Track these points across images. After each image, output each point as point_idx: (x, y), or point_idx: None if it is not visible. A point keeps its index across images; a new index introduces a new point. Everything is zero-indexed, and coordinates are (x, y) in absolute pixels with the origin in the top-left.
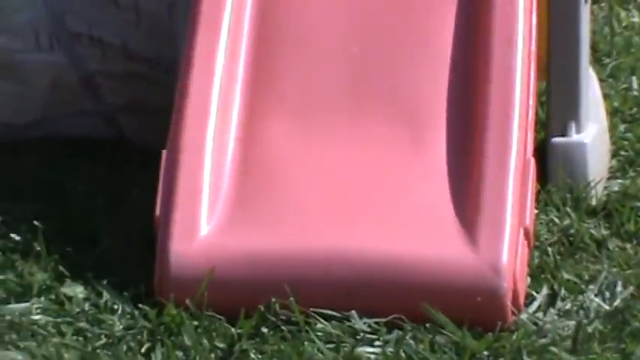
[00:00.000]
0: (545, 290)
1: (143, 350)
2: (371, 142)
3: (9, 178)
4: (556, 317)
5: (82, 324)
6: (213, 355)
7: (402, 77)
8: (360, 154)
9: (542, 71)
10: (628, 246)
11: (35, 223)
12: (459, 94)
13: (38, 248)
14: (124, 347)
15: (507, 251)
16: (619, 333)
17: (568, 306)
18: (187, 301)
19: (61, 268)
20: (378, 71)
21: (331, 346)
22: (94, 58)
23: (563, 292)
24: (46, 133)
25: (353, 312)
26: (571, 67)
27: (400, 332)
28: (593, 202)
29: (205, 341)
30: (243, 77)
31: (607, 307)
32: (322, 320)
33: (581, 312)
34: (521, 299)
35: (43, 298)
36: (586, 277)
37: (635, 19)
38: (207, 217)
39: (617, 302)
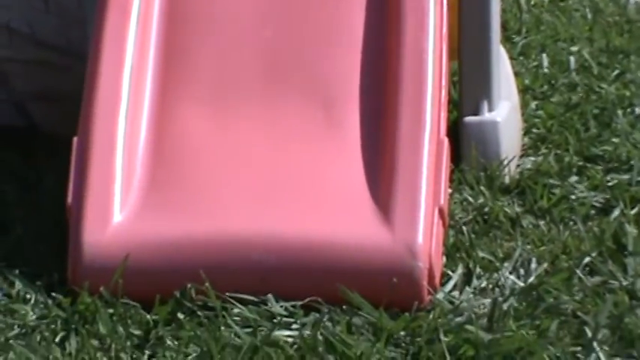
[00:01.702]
0: (460, 269)
1: (57, 340)
2: (285, 125)
3: None
4: (472, 296)
5: None
6: (129, 343)
7: (315, 59)
8: (275, 136)
9: (454, 51)
10: (541, 223)
11: None
12: (372, 76)
13: None
14: (38, 337)
15: (423, 231)
16: (534, 309)
17: (483, 284)
18: (102, 289)
19: None
20: (291, 53)
21: (248, 330)
22: (2, 44)
23: (478, 270)
24: None
25: (270, 295)
26: (482, 47)
27: (317, 315)
28: (507, 180)
29: (121, 329)
30: (155, 62)
31: (522, 284)
32: (239, 305)
33: (497, 290)
34: (437, 279)
35: None
36: (501, 255)
37: None
38: (120, 204)
39: (531, 279)
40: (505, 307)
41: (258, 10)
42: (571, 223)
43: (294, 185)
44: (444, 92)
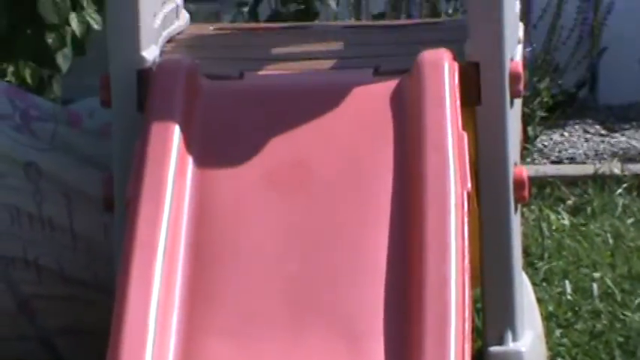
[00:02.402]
0: None
1: None
2: (310, 358)
3: None
4: None
5: None
6: None
7: (339, 291)
8: None
9: (476, 278)
10: None
11: None
12: (395, 306)
13: None
14: None
15: None
16: None
17: None
18: None
19: None
20: (315, 287)
21: None
22: (30, 282)
23: None
24: None
25: None
26: (504, 276)
27: None
28: None
29: None
30: (180, 297)
31: None
32: None
33: None
34: None
35: None
36: None
37: (565, 222)
38: None
39: None
40: None
41: (283, 243)
42: None
43: None
44: (467, 325)
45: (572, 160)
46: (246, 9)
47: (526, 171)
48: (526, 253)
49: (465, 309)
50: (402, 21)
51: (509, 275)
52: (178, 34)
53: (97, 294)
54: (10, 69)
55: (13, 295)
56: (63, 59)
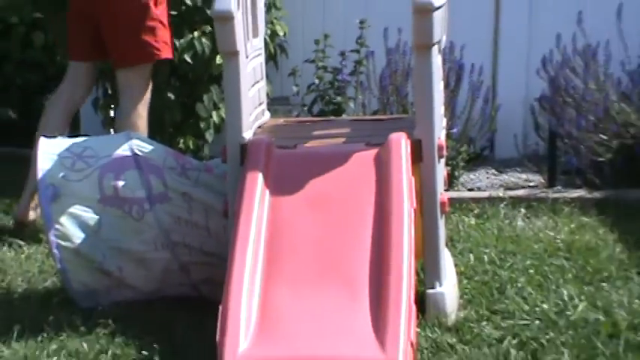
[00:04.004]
0: None
1: None
2: (329, 295)
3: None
4: None
5: None
6: None
7: (344, 260)
8: None
9: (419, 253)
10: None
11: None
12: (374, 268)
13: None
14: None
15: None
16: None
17: None
18: None
19: None
20: (331, 257)
21: None
22: (186, 255)
23: None
24: (160, 295)
25: None
26: (435, 251)
27: None
28: None
29: None
30: (262, 265)
31: None
32: None
33: None
34: None
35: None
36: None
37: (472, 222)
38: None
39: None
40: None
41: (316, 235)
42: None
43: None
44: (412, 279)
45: (478, 189)
46: (306, 108)
47: (447, 196)
48: (451, 239)
49: (412, 269)
50: (384, 116)
51: (438, 251)
52: (264, 124)
53: (221, 261)
54: (181, 140)
55: (176, 262)
56: (209, 135)
